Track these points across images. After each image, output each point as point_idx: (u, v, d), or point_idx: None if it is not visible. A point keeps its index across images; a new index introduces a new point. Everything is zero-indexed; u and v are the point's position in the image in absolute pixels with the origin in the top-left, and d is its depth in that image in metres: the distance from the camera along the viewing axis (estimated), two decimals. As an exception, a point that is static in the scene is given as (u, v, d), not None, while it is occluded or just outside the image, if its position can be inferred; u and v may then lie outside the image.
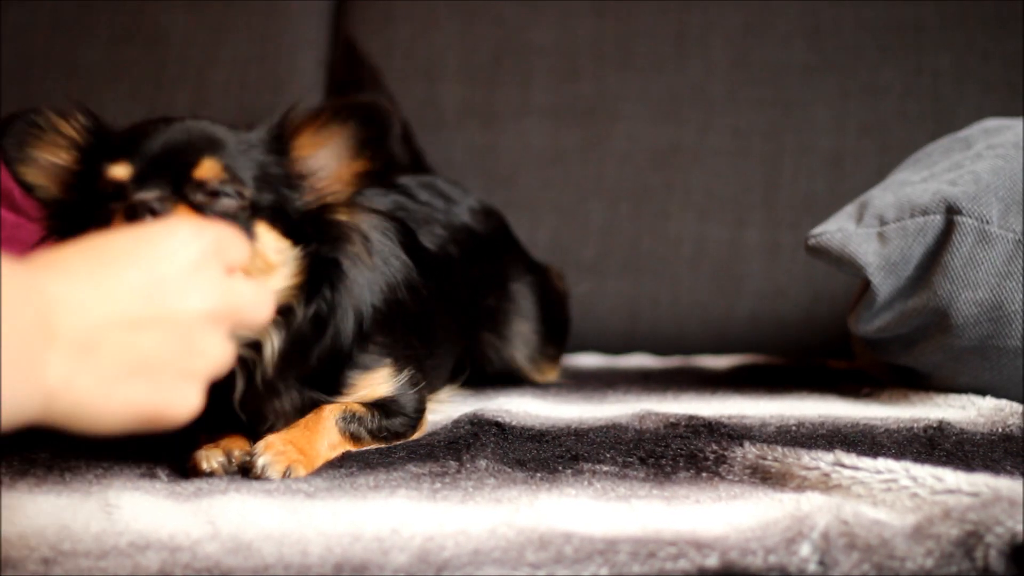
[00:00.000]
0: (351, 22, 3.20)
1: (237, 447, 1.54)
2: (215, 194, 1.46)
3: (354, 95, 2.68)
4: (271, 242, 1.52)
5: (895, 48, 2.96)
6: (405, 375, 1.74)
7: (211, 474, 1.48)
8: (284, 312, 1.56)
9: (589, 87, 3.05)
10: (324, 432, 1.62)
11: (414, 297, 1.79)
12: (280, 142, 1.56)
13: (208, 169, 1.46)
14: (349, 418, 1.67)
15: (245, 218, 1.48)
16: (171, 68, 3.17)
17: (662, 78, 3.04)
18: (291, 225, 1.55)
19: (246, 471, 1.49)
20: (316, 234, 1.58)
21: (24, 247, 2.34)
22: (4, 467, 1.46)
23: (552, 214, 2.99)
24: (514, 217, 2.87)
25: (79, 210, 1.51)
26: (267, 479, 1.47)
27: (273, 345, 1.56)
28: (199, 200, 1.45)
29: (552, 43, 3.09)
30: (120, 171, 1.44)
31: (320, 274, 1.59)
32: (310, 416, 1.63)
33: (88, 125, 1.55)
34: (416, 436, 1.76)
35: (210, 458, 1.50)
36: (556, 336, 2.46)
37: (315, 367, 1.63)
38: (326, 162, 1.57)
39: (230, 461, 1.51)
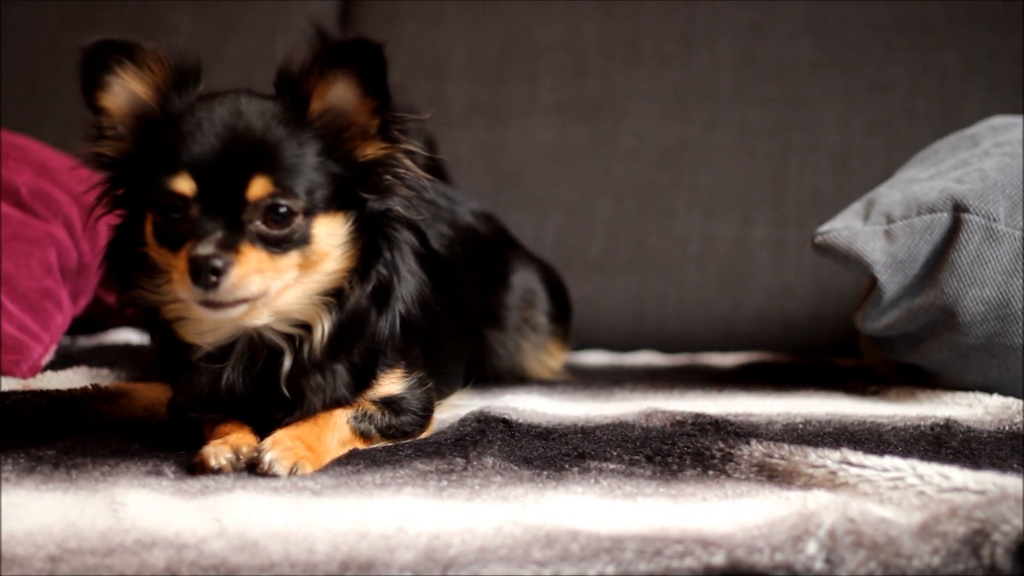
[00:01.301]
0: (357, 20, 3.20)
1: (245, 443, 1.54)
2: (272, 209, 1.50)
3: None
4: (325, 232, 1.55)
5: (902, 46, 2.96)
6: (415, 377, 1.76)
7: (219, 471, 1.48)
8: (335, 294, 1.60)
9: (596, 84, 3.05)
10: (335, 429, 1.63)
11: (426, 313, 1.80)
12: (299, 105, 1.56)
13: (260, 188, 1.49)
14: (360, 416, 1.68)
15: (302, 230, 1.53)
16: (177, 66, 3.17)
17: (669, 76, 3.03)
18: (344, 191, 1.57)
19: (253, 467, 1.49)
20: (363, 182, 1.60)
21: (31, 245, 2.35)
22: (11, 464, 1.47)
23: (558, 211, 2.99)
24: (520, 215, 2.87)
25: (137, 176, 1.56)
26: (274, 475, 1.47)
27: (323, 327, 1.60)
28: (258, 229, 1.50)
29: (559, 41, 3.09)
30: (183, 186, 1.49)
31: (376, 236, 1.61)
32: (322, 414, 1.64)
33: (174, 69, 1.57)
34: (424, 436, 1.76)
35: (218, 455, 1.50)
36: (563, 315, 2.52)
37: (365, 347, 1.66)
38: (341, 105, 1.57)
39: (238, 458, 1.51)
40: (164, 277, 1.56)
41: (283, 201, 1.50)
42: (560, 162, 3.02)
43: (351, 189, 1.58)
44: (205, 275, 1.44)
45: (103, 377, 2.10)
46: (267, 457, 1.49)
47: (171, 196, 1.49)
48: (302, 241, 1.53)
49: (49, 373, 2.15)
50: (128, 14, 3.24)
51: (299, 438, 1.55)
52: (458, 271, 2.14)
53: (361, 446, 1.66)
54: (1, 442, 1.58)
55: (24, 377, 2.12)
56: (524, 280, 2.41)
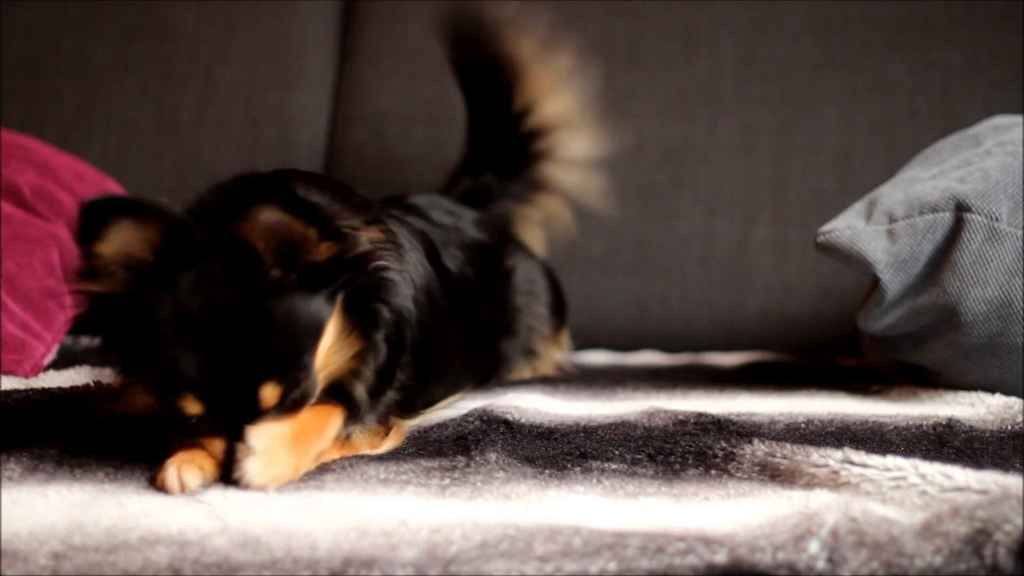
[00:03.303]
0: (359, 20, 3.20)
1: (208, 463, 1.44)
2: (284, 398, 1.46)
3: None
4: (325, 344, 1.51)
5: (904, 45, 2.96)
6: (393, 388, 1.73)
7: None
8: (355, 374, 1.60)
9: (598, 84, 3.05)
10: (321, 433, 1.57)
11: (431, 305, 1.79)
12: (247, 254, 1.45)
13: (270, 394, 1.44)
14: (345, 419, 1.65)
15: (311, 378, 1.49)
16: (180, 65, 3.18)
17: (671, 75, 3.03)
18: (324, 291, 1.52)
19: (227, 474, 1.42)
20: (336, 273, 1.52)
21: (33, 245, 2.35)
22: (13, 463, 1.47)
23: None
24: (522, 213, 2.86)
25: (126, 323, 1.48)
26: (248, 487, 1.41)
27: (360, 392, 1.61)
28: (274, 416, 1.46)
29: (560, 40, 3.09)
30: (191, 407, 1.43)
31: (369, 301, 1.58)
32: (307, 417, 1.55)
33: (170, 228, 1.45)
34: (386, 447, 1.68)
35: (184, 475, 1.40)
36: (562, 306, 2.58)
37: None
38: (277, 227, 1.44)
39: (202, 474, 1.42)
40: None
41: (294, 390, 1.46)
42: (562, 162, 3.02)
43: (329, 284, 1.51)
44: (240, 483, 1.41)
45: (105, 376, 2.10)
46: (247, 466, 1.41)
47: (178, 408, 1.44)
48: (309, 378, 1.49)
49: (51, 372, 2.15)
50: (130, 13, 3.24)
51: (281, 446, 1.47)
52: (468, 288, 2.15)
53: (340, 453, 1.61)
54: (4, 441, 1.58)
55: (26, 376, 2.12)
56: (526, 271, 2.44)
